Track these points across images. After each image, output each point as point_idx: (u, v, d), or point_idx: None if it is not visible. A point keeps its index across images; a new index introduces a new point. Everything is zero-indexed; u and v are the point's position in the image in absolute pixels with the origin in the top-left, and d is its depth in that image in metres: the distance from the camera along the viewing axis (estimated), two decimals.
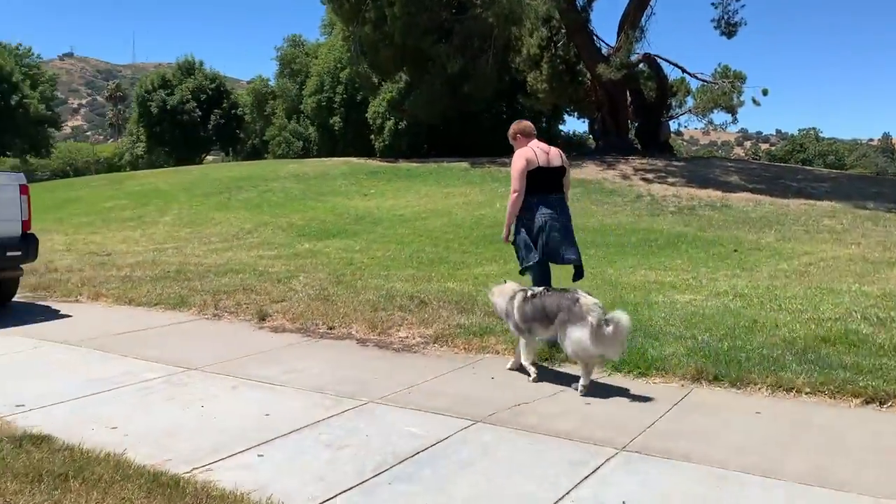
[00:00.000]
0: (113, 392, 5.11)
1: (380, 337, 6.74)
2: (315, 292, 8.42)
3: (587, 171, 20.69)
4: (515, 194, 5.78)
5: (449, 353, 6.22)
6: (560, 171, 5.93)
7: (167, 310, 8.04)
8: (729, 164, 24.59)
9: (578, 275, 6.20)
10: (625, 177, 20.03)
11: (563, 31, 25.20)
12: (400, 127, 35.68)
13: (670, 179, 19.64)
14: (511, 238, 6.07)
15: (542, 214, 5.75)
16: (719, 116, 27.36)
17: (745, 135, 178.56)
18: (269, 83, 55.33)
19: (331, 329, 7.06)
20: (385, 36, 24.51)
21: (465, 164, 22.30)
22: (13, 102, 54.42)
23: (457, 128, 32.09)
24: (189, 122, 53.74)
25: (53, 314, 7.93)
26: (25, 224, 7.75)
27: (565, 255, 5.93)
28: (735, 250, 11.64)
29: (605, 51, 25.21)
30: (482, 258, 10.90)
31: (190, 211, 17.40)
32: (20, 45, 60.30)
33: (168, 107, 54.01)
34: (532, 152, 5.82)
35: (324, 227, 14.72)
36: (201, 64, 57.25)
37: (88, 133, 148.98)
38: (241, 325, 7.41)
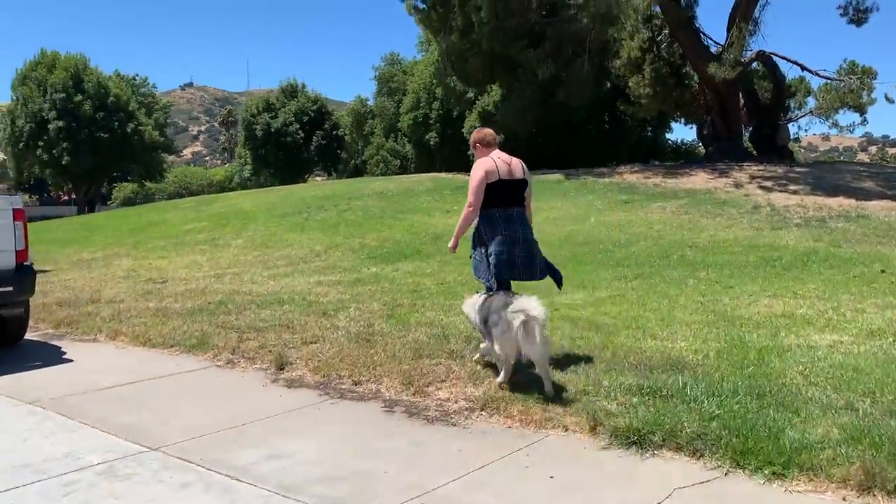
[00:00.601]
0: (16, 492, 3.69)
1: (414, 398, 5.09)
2: (358, 329, 6.89)
3: (695, 181, 18.40)
4: (470, 208, 5.44)
5: (498, 427, 4.48)
6: (522, 184, 5.55)
7: (181, 353, 6.69)
8: (860, 169, 21.52)
9: (558, 280, 5.79)
10: (738, 185, 17.60)
11: (666, 30, 22.94)
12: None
13: (792, 187, 17.07)
14: (456, 248, 5.85)
15: (504, 230, 5.38)
16: (845, 117, 24.17)
17: (869, 139, 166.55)
18: (368, 102, 55.10)
19: (356, 385, 5.47)
20: (473, 44, 23.05)
21: (558, 176, 20.38)
22: (129, 130, 56.51)
23: (557, 140, 30.23)
24: (292, 144, 54.19)
25: (55, 358, 6.73)
26: (21, 254, 6.59)
27: (537, 274, 5.58)
28: (882, 271, 9.31)
29: (713, 49, 22.76)
30: (570, 283, 9.07)
31: (265, 232, 16.36)
32: (137, 75, 62.66)
33: (272, 129, 54.65)
34: (493, 163, 5.43)
35: (397, 248, 13.27)
36: (304, 86, 57.79)
37: (207, 158, 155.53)
38: (253, 375, 5.94)
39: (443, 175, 24.12)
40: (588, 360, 5.39)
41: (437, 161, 40.12)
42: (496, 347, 4.84)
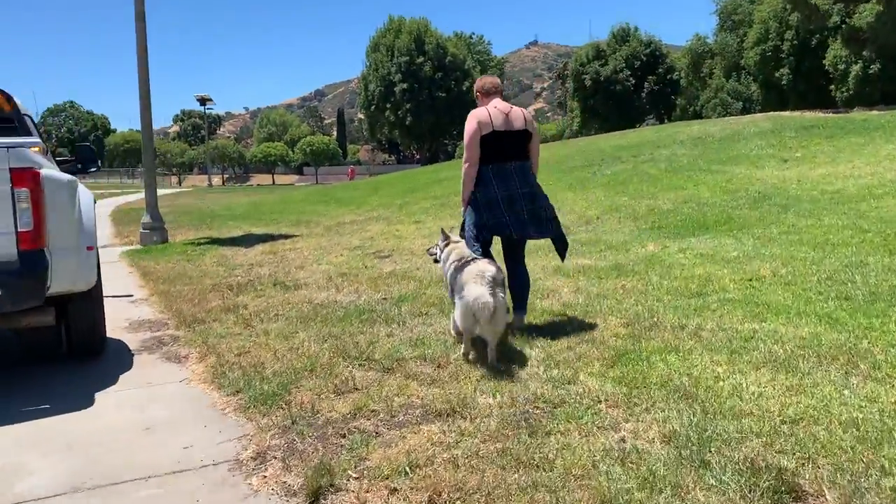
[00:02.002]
0: None
1: None
2: (539, 389, 3.40)
3: None
4: (467, 164, 4.72)
5: None
6: (522, 135, 4.74)
7: (237, 412, 3.75)
8: None
9: (561, 249, 4.99)
10: None
11: None
12: (870, 71, 26.62)
13: None
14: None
15: (497, 187, 4.65)
16: None
17: None
18: (707, 41, 48.20)
19: None
20: None
21: None
22: (464, 88, 57.02)
23: None
24: (622, 92, 49.90)
25: (65, 402, 4.23)
26: (27, 238, 4.13)
27: (537, 232, 4.77)
28: None
29: None
30: None
31: None
32: (473, 34, 63.08)
33: (601, 78, 50.85)
34: (486, 113, 4.67)
35: (697, 215, 9.10)
36: (636, 30, 52.74)
37: (549, 114, 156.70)
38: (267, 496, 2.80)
39: (786, 114, 18.45)
40: None
41: (790, 100, 33.11)
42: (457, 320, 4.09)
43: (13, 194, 4.04)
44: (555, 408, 3.24)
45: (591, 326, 4.65)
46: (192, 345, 4.96)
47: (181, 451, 3.15)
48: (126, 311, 6.36)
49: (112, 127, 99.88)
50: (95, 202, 7.65)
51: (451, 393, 3.49)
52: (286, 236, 11.42)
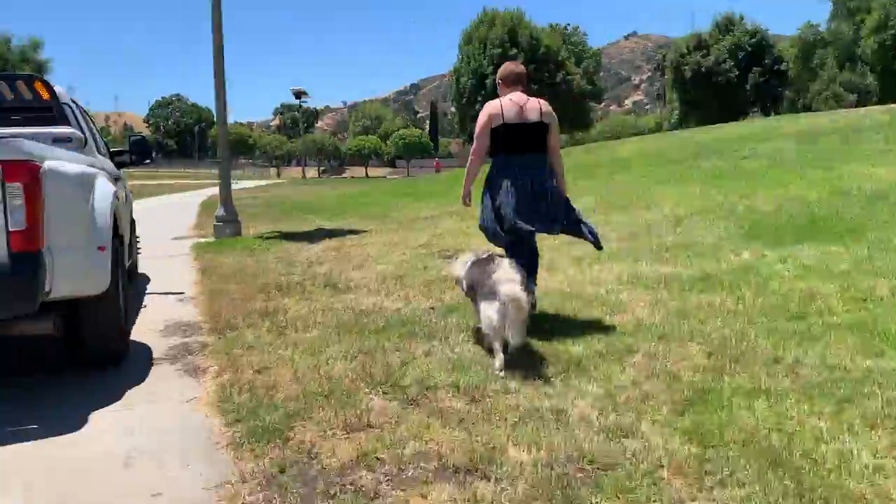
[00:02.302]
0: None
1: None
2: (588, 442, 2.72)
3: None
4: (472, 156, 4.82)
5: None
6: (537, 128, 4.62)
7: (230, 448, 3.19)
8: None
9: (596, 245, 4.80)
10: None
11: None
12: None
13: None
14: (468, 200, 5.01)
15: (508, 179, 4.53)
16: None
17: None
18: (819, 29, 45.13)
19: None
20: None
21: None
22: (558, 79, 55.74)
23: None
24: (725, 84, 47.49)
25: (63, 422, 3.79)
26: (18, 239, 3.64)
27: (551, 227, 4.60)
28: None
29: None
30: None
31: (626, 187, 12.17)
32: (568, 25, 61.67)
33: (702, 69, 48.62)
34: (498, 105, 4.63)
35: (802, 217, 8.06)
36: (741, 19, 50.03)
37: (648, 106, 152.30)
38: None
39: None
40: None
41: None
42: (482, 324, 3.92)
43: (3, 189, 3.60)
44: (603, 472, 2.54)
45: (666, 354, 3.89)
46: (216, 355, 4.49)
47: (148, 499, 2.64)
48: (169, 310, 6.01)
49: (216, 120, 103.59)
50: (127, 198, 7.26)
51: (477, 440, 2.84)
52: (357, 231, 11.00)
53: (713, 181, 11.27)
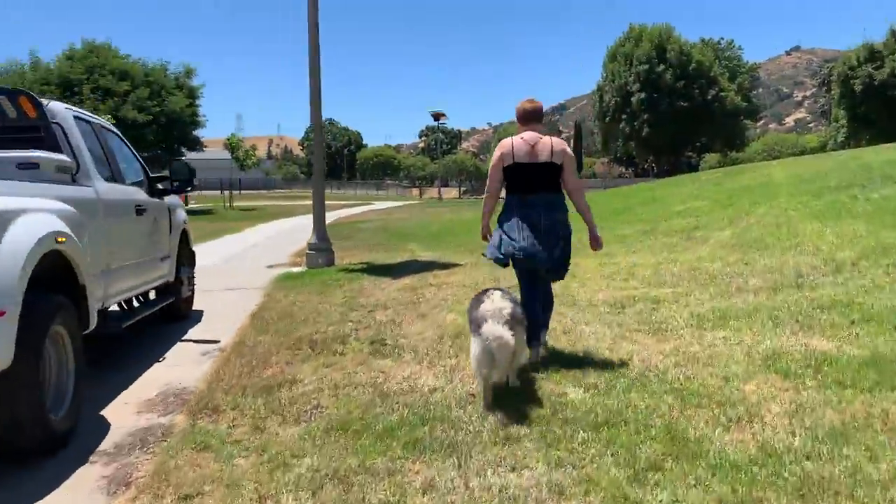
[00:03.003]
0: None
1: None
2: None
3: None
4: (486, 194, 4.88)
5: None
6: (548, 168, 4.60)
7: None
8: None
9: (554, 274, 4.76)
10: None
11: None
12: None
13: None
14: (489, 237, 4.89)
15: (517, 216, 4.58)
16: None
17: None
18: None
19: None
20: None
21: None
22: (709, 97, 52.31)
23: None
24: None
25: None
26: None
27: (541, 262, 4.53)
28: None
29: None
30: None
31: (774, 220, 10.13)
32: (721, 39, 58.04)
33: (875, 82, 43.78)
34: (509, 144, 4.66)
35: None
36: None
37: (811, 125, 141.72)
38: None
39: None
40: None
41: None
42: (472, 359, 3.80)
43: None
44: None
45: None
46: (161, 457, 3.36)
47: None
48: (180, 370, 5.03)
49: (364, 142, 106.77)
50: (172, 227, 6.51)
51: None
52: (448, 266, 9.73)
53: (887, 216, 9.03)
